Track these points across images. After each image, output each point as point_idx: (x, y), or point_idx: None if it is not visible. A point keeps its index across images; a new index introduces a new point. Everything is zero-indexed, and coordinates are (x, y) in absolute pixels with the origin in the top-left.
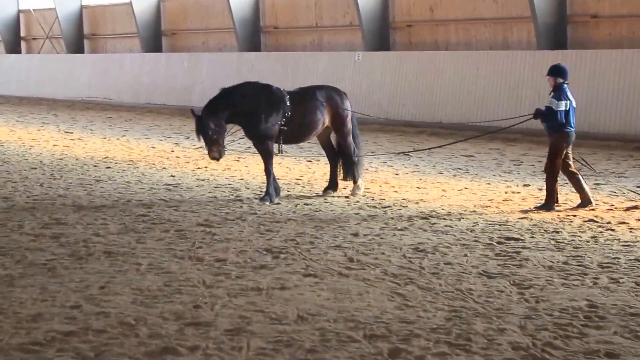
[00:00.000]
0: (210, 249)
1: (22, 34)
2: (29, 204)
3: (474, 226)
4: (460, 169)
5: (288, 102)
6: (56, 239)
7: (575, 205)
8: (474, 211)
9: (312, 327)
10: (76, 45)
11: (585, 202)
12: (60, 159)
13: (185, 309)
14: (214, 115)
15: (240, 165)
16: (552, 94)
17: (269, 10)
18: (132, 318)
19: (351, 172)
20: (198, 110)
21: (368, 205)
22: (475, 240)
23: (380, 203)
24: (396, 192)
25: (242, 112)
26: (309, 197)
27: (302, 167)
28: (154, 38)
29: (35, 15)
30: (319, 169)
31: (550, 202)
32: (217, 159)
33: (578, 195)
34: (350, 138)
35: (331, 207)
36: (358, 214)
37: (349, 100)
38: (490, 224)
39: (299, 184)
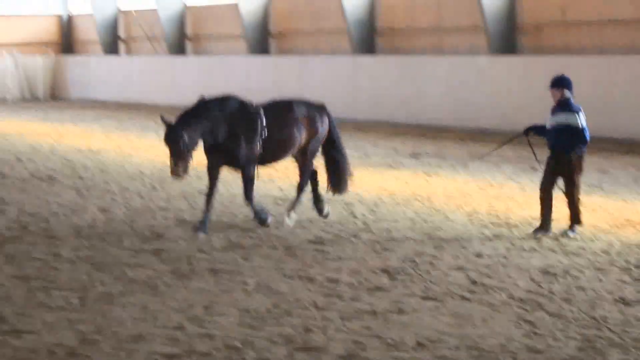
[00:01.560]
0: (322, 269)
1: (121, 34)
2: (128, 216)
3: (609, 248)
4: (593, 185)
5: (264, 120)
6: (157, 255)
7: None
8: (609, 231)
9: (432, 354)
10: (178, 46)
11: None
12: (161, 169)
13: (295, 333)
14: (188, 126)
15: (353, 178)
16: (559, 108)
17: (385, 11)
18: (238, 341)
19: (297, 202)
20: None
21: (492, 224)
22: (611, 264)
23: (506, 221)
24: (523, 209)
25: (220, 133)
26: (429, 214)
27: (421, 182)
28: (261, 40)
29: (135, 15)
30: (439, 184)
31: (578, 217)
32: (181, 177)
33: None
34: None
35: (452, 225)
36: (482, 233)
37: (328, 115)
38: (628, 246)
39: (417, 200)
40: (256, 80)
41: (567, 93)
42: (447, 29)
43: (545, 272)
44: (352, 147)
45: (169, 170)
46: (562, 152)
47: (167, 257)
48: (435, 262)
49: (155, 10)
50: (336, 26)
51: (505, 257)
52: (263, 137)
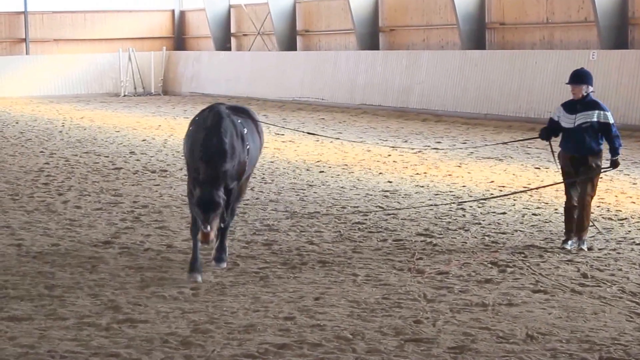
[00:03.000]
0: (431, 261)
1: (232, 30)
2: (239, 209)
3: None
4: None
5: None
6: (268, 247)
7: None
8: None
9: (543, 347)
10: (288, 42)
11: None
12: (272, 162)
13: (405, 324)
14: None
15: (462, 171)
16: (580, 106)
17: (495, 6)
18: (348, 332)
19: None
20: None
21: (603, 217)
22: None
23: (616, 215)
24: (634, 202)
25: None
26: (538, 207)
27: (530, 175)
28: (371, 35)
29: (246, 10)
30: (548, 177)
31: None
32: (210, 244)
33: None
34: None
35: (562, 218)
36: (592, 226)
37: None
38: None
39: (526, 193)
40: (364, 76)
41: (589, 88)
42: (557, 23)
43: None
44: (461, 141)
45: (201, 235)
46: (587, 154)
47: (278, 249)
48: (545, 255)
49: (266, 4)
50: (446, 21)
51: (616, 251)
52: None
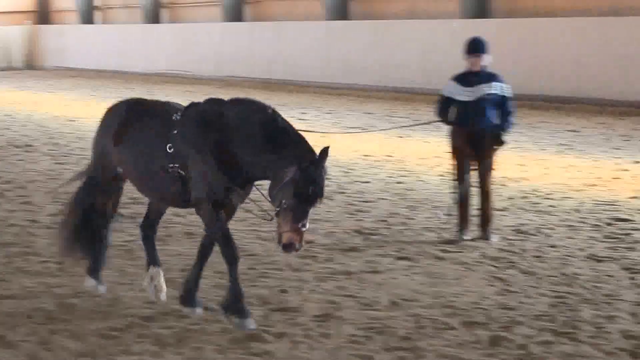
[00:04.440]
0: None
1: (97, 2)
2: None
3: (580, 206)
4: (564, 144)
5: None
6: (133, 220)
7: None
8: (580, 190)
9: (406, 313)
10: (154, 14)
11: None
12: None
13: (271, 294)
14: None
15: (328, 141)
16: (478, 78)
17: None
18: (214, 303)
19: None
20: None
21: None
22: (582, 222)
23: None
24: (494, 169)
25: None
26: (402, 175)
27: (394, 144)
28: (236, 7)
29: None
30: (410, 146)
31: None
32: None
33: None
34: None
35: (425, 185)
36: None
37: None
38: (598, 204)
39: (389, 161)
40: (230, 48)
41: (487, 59)
42: None
43: (518, 230)
44: (326, 112)
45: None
46: (489, 131)
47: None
48: (409, 222)
49: None
50: None
51: (477, 216)
52: None
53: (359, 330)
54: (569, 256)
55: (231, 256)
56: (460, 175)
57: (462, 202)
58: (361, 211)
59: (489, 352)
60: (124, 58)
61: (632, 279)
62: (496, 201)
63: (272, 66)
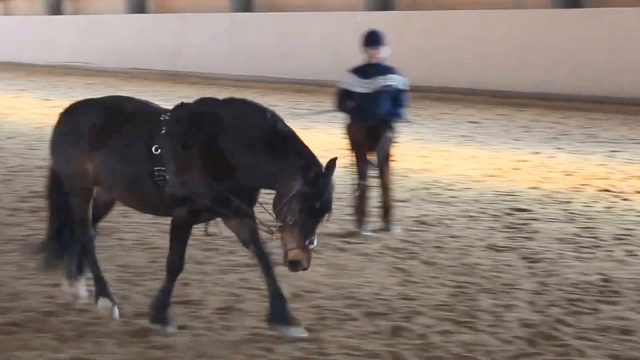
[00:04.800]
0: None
1: None
2: (5, 175)
3: (480, 197)
4: (465, 136)
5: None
6: (34, 213)
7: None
8: (480, 181)
9: (308, 304)
10: (56, 5)
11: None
12: (38, 127)
13: None
14: None
15: None
16: (375, 70)
17: None
18: (117, 296)
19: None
20: None
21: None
22: (482, 212)
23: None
24: (396, 161)
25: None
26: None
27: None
28: None
29: None
30: (314, 137)
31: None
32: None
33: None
34: None
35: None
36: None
37: None
38: (498, 195)
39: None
40: (133, 40)
41: (385, 51)
42: None
43: (419, 221)
44: None
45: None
46: (386, 122)
47: (44, 216)
48: None
49: None
50: None
51: (379, 208)
52: None
53: (261, 322)
54: (469, 246)
55: (174, 267)
56: (360, 169)
57: (361, 196)
58: (265, 203)
59: (389, 342)
60: (25, 49)
61: (531, 268)
62: (398, 192)
63: (177, 58)
